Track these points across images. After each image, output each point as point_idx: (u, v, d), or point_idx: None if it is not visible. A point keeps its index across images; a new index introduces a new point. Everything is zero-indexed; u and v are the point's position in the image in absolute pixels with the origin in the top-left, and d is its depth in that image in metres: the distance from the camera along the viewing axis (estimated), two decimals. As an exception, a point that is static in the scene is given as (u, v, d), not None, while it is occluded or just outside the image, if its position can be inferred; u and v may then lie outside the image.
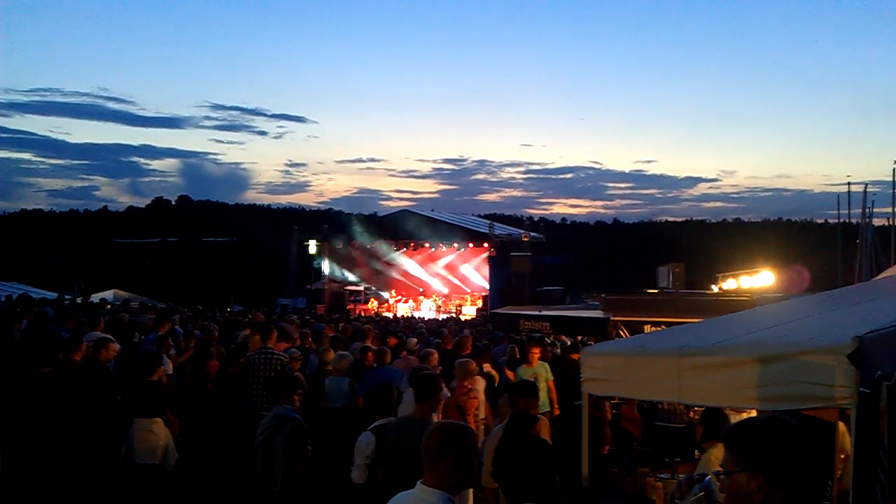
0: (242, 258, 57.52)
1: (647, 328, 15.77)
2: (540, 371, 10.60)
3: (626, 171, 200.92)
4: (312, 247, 41.53)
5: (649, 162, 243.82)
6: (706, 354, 4.66)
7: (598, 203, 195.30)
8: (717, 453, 4.71)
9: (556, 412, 10.24)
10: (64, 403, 8.68)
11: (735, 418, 5.39)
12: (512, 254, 36.49)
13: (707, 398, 4.90)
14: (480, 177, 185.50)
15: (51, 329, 11.20)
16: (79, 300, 20.77)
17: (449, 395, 8.80)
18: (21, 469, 7.72)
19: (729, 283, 25.03)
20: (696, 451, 7.82)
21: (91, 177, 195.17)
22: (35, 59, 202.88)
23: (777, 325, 5.33)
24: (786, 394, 4.04)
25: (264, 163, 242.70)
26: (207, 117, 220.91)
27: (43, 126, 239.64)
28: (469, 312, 36.47)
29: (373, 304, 39.30)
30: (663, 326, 14.44)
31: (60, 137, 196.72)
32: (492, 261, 37.12)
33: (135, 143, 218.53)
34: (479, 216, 54.90)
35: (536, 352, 10.96)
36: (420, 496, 3.44)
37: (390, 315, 34.77)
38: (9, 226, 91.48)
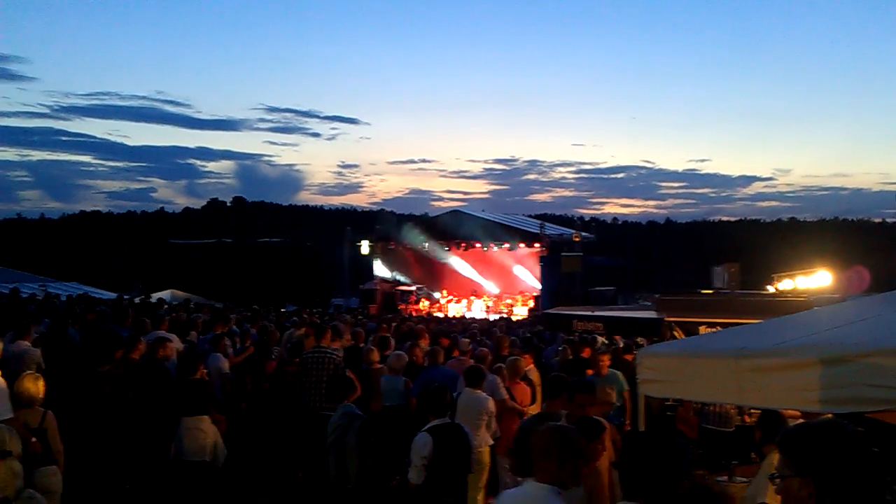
0: (296, 259, 58.07)
1: (701, 329, 15.60)
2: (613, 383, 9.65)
3: (679, 170, 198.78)
4: (365, 247, 41.79)
5: (703, 161, 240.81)
6: (766, 356, 4.61)
7: (651, 203, 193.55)
8: (776, 457, 4.67)
9: (627, 427, 9.43)
10: (123, 401, 8.88)
11: (791, 422, 5.34)
12: (563, 254, 36.34)
13: (766, 401, 4.85)
14: (531, 177, 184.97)
15: (110, 328, 11.45)
16: (137, 300, 21.15)
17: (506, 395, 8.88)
18: (82, 465, 7.92)
19: (785, 284, 24.68)
20: (753, 454, 7.76)
21: (148, 179, 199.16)
22: (94, 64, 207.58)
23: (838, 327, 5.25)
24: (848, 396, 3.99)
25: (317, 164, 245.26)
26: (262, 119, 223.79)
27: (102, 129, 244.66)
28: (520, 313, 36.37)
29: (424, 305, 39.40)
30: (719, 328, 14.27)
31: (119, 140, 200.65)
32: (543, 261, 37.01)
33: (191, 145, 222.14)
34: (531, 216, 54.73)
35: (606, 360, 10.35)
36: (531, 492, 3.65)
37: (442, 315, 34.86)
38: (69, 227, 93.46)
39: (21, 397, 6.32)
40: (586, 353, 11.76)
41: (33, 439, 6.02)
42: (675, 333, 16.12)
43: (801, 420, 5.36)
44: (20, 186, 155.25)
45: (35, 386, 6.42)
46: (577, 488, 3.66)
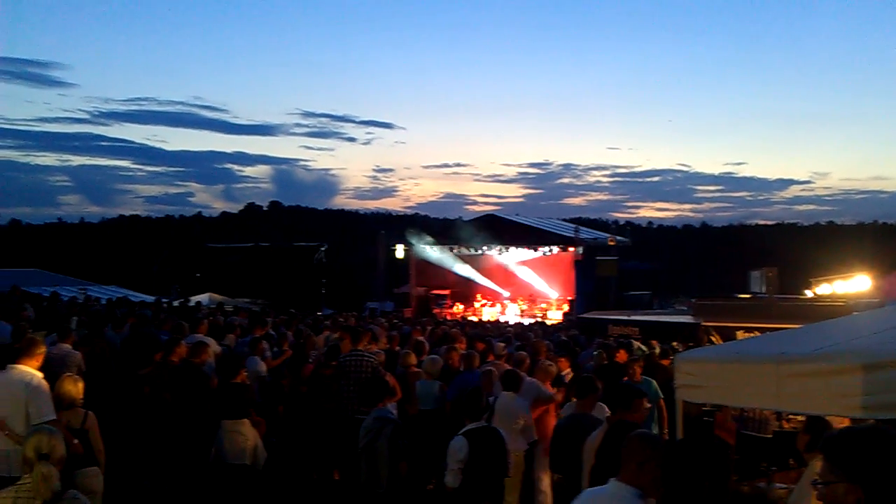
0: (332, 262, 58.37)
1: (739, 334, 15.49)
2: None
3: (716, 173, 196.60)
4: (399, 251, 41.89)
5: (739, 164, 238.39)
6: (807, 361, 4.57)
7: (686, 206, 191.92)
8: (819, 464, 4.61)
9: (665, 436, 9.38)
10: (161, 404, 8.98)
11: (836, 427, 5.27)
12: (598, 258, 36.13)
13: (808, 406, 4.80)
14: (566, 180, 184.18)
15: (150, 331, 11.60)
16: (175, 303, 21.37)
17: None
18: (122, 467, 8.02)
19: (823, 289, 24.40)
20: (791, 460, 7.67)
21: (186, 183, 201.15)
22: (133, 70, 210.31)
23: (880, 332, 5.18)
24: (892, 402, 3.94)
25: (353, 168, 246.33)
26: (298, 124, 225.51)
27: (141, 134, 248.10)
28: (555, 317, 36.25)
29: (458, 308, 39.40)
30: (756, 332, 14.15)
31: (157, 145, 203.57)
32: (577, 265, 36.83)
33: (228, 150, 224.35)
34: (565, 220, 54.43)
35: (638, 367, 10.29)
36: (614, 491, 3.76)
37: (476, 319, 34.82)
38: (108, 231, 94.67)
39: (62, 399, 6.40)
40: (622, 357, 11.69)
41: (75, 440, 6.10)
42: (713, 338, 16.01)
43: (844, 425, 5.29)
44: (61, 191, 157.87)
45: (75, 387, 6.51)
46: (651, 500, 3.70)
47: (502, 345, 12.12)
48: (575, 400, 7.42)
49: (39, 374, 6.40)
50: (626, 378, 9.97)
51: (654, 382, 9.96)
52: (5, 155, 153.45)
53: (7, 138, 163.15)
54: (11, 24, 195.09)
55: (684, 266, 75.85)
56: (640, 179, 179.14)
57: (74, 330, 10.53)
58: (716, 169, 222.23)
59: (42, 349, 6.71)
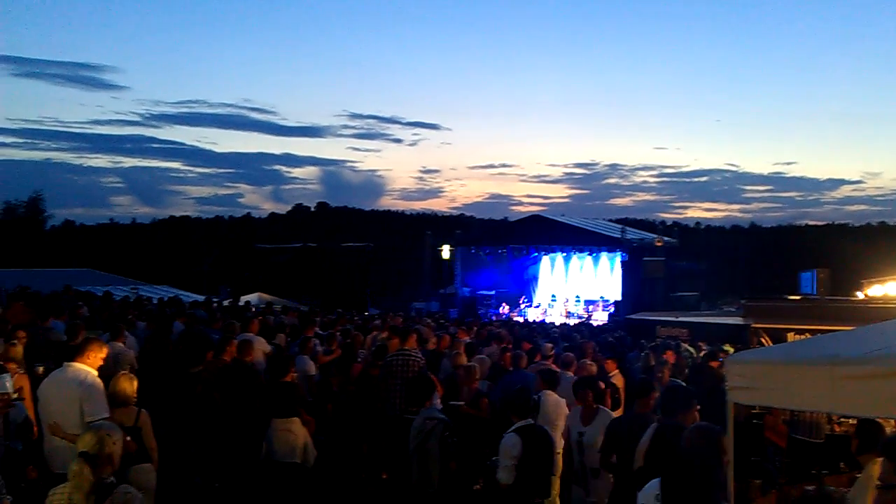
0: (378, 263, 58.64)
1: (790, 336, 15.29)
2: None
3: (765, 173, 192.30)
4: (446, 251, 41.95)
5: (789, 164, 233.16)
6: (862, 363, 4.49)
7: (735, 207, 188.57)
8: (876, 467, 4.54)
9: None
10: (212, 402, 9.10)
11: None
12: (645, 259, 35.83)
13: (862, 409, 4.72)
14: (612, 181, 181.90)
15: (201, 330, 11.76)
16: (225, 303, 21.62)
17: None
18: (173, 464, 8.14)
19: (875, 290, 23.93)
20: (842, 464, 7.55)
21: (236, 184, 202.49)
22: (183, 73, 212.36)
23: (937, 334, 5.09)
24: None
25: (399, 169, 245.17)
26: (346, 126, 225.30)
27: (191, 136, 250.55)
28: (601, 318, 36.04)
29: (504, 309, 39.35)
30: (807, 334, 13.96)
31: (207, 147, 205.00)
32: (624, 266, 36.55)
33: (277, 151, 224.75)
34: (611, 221, 54.08)
35: (667, 371, 10.37)
36: None
37: (521, 320, 34.74)
38: (159, 231, 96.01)
39: (116, 397, 6.50)
40: (670, 358, 11.62)
41: (128, 437, 6.20)
42: (763, 340, 15.82)
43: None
44: (113, 192, 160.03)
45: (130, 386, 6.61)
46: None
47: (549, 345, 12.08)
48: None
49: (94, 373, 6.51)
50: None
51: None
52: (59, 157, 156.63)
53: (61, 140, 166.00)
54: (65, 29, 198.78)
55: (732, 267, 74.77)
56: (687, 179, 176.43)
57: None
58: (765, 169, 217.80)
59: (102, 352, 6.79)
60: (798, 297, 21.00)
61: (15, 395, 5.58)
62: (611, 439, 7.11)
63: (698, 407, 6.33)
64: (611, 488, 6.96)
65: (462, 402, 8.74)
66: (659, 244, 37.19)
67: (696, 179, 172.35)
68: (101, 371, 6.79)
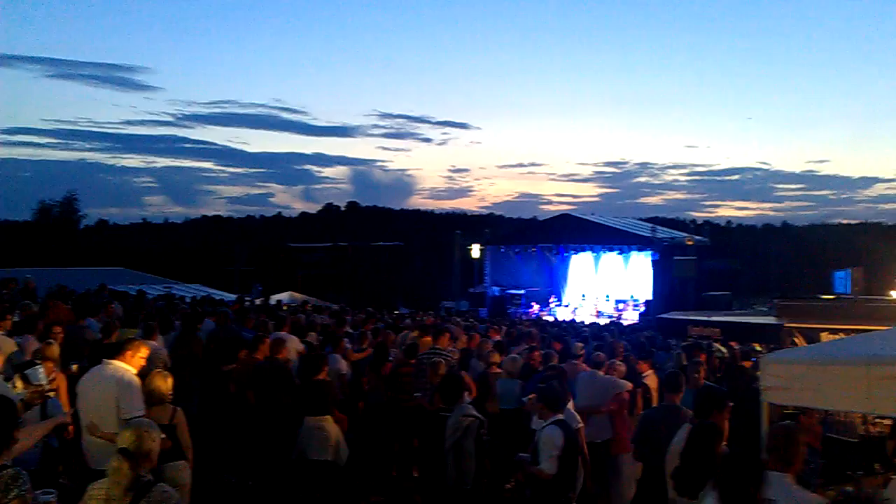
0: (408, 262, 58.72)
1: (823, 335, 15.15)
2: None
3: (797, 171, 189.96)
4: (475, 251, 41.94)
5: (822, 162, 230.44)
6: (899, 364, 4.46)
7: (767, 205, 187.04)
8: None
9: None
10: (245, 400, 9.17)
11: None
12: (675, 258, 35.60)
13: (900, 409, 4.69)
14: (642, 179, 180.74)
15: (233, 329, 11.85)
16: (257, 302, 21.76)
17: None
18: (207, 461, 8.22)
19: (909, 290, 23.64)
20: (877, 465, 7.46)
21: (267, 184, 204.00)
22: (215, 74, 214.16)
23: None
24: None
25: (428, 169, 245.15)
26: (375, 126, 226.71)
27: (223, 136, 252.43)
28: (631, 317, 35.88)
29: (534, 308, 39.28)
30: (841, 334, 13.82)
31: (239, 147, 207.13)
32: (655, 265, 36.34)
33: (307, 151, 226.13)
34: (642, 220, 53.75)
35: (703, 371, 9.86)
36: (774, 480, 3.99)
37: (551, 319, 34.67)
38: (191, 231, 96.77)
39: (152, 395, 6.52)
40: (702, 358, 11.54)
41: (163, 435, 6.25)
42: (796, 340, 15.70)
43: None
44: (146, 192, 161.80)
45: (165, 384, 6.63)
46: None
47: (580, 344, 12.06)
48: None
49: (132, 371, 6.56)
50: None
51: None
52: (93, 157, 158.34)
53: (95, 141, 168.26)
54: (99, 30, 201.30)
55: (764, 266, 74.10)
56: (718, 178, 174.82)
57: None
58: (797, 167, 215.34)
59: (142, 351, 6.86)
60: (832, 297, 20.78)
61: (48, 387, 5.62)
62: (643, 431, 7.29)
63: (731, 404, 6.33)
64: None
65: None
66: (690, 243, 36.92)
67: (727, 178, 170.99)
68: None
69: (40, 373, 5.67)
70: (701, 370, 9.64)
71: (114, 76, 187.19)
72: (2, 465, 3.87)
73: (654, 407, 8.16)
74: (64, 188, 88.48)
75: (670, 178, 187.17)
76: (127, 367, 6.55)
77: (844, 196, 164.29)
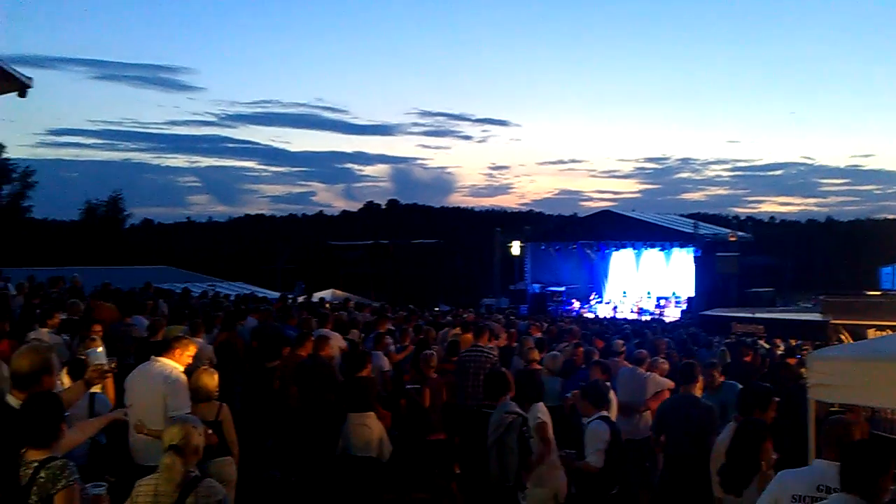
0: (448, 259, 58.84)
1: (870, 332, 14.93)
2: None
3: (842, 166, 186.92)
4: (515, 248, 41.88)
5: (867, 156, 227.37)
6: (950, 360, 4.39)
7: (811, 200, 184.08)
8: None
9: None
10: (289, 396, 9.25)
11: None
12: (718, 254, 35.28)
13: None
14: (684, 175, 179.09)
15: (276, 326, 11.96)
16: (300, 299, 21.92)
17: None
18: (252, 458, 8.30)
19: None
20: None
21: (309, 183, 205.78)
22: (258, 74, 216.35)
23: None
24: None
25: (468, 166, 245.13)
26: (416, 124, 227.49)
27: (265, 136, 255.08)
28: (672, 314, 35.61)
29: (574, 305, 39.14)
30: (889, 331, 13.63)
31: (281, 146, 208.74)
32: (697, 261, 36.03)
33: (348, 150, 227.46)
34: (683, 216, 53.32)
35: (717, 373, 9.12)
36: (825, 469, 4.15)
37: (591, 316, 34.53)
38: (235, 229, 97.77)
39: (198, 392, 6.59)
40: (748, 357, 11.45)
41: (209, 431, 6.32)
42: (842, 337, 15.48)
43: None
44: (190, 191, 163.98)
45: (211, 380, 6.70)
46: None
47: (621, 342, 12.01)
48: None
49: (179, 368, 6.62)
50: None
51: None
52: (138, 157, 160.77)
53: (140, 141, 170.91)
54: (143, 32, 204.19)
55: (808, 262, 73.11)
56: (761, 173, 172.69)
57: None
58: (841, 161, 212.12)
59: (190, 350, 6.91)
60: (879, 293, 20.47)
61: (108, 367, 5.67)
62: (660, 420, 7.46)
63: (777, 399, 6.29)
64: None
65: None
66: (733, 239, 36.55)
67: (770, 173, 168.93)
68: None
69: (100, 352, 5.71)
70: (715, 371, 9.42)
71: (158, 77, 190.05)
72: (50, 456, 3.94)
73: (669, 398, 8.17)
74: (109, 188, 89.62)
75: (712, 173, 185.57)
76: (174, 364, 6.62)
77: (891, 191, 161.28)
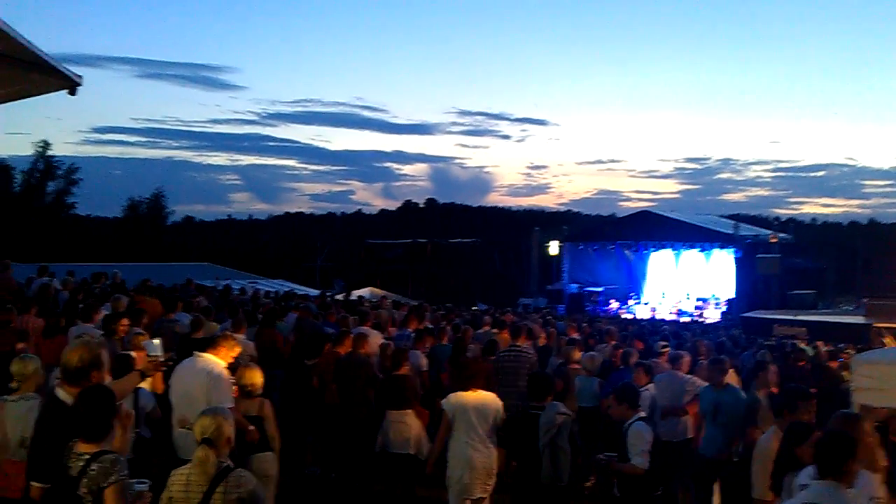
0: (486, 259, 58.70)
1: (915, 336, 14.72)
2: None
3: (885, 167, 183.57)
4: (553, 247, 41.76)
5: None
6: None
7: (854, 202, 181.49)
8: None
9: None
10: (328, 393, 9.31)
11: None
12: (759, 255, 34.92)
13: None
14: (724, 176, 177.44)
15: (315, 324, 12.04)
16: (339, 297, 22.03)
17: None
18: (292, 454, 8.37)
19: None
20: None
21: (348, 181, 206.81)
22: (298, 73, 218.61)
23: None
24: None
25: (506, 166, 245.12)
26: (454, 123, 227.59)
27: (305, 134, 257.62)
28: (712, 316, 35.29)
29: (613, 305, 38.94)
30: (934, 335, 13.43)
31: (321, 145, 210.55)
32: (737, 263, 35.67)
33: (387, 149, 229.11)
34: (724, 217, 52.80)
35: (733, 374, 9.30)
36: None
37: (630, 316, 34.34)
38: (275, 227, 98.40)
39: (242, 388, 6.66)
40: (802, 362, 11.35)
41: (251, 427, 6.39)
42: (886, 340, 15.29)
43: None
44: (231, 189, 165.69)
45: (255, 376, 6.79)
46: None
47: (663, 343, 11.94)
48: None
49: (223, 364, 6.67)
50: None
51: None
52: (181, 155, 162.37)
53: (182, 139, 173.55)
54: (186, 31, 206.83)
55: (851, 264, 71.97)
56: (803, 174, 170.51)
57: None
58: (885, 162, 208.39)
59: (235, 350, 6.97)
60: (924, 297, 20.10)
61: (163, 358, 5.72)
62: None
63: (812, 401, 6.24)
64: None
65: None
66: (774, 240, 36.16)
67: (812, 174, 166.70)
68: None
69: (157, 344, 5.76)
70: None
71: (200, 76, 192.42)
72: (102, 450, 4.02)
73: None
74: (152, 185, 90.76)
75: (753, 174, 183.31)
76: (218, 360, 6.68)
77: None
